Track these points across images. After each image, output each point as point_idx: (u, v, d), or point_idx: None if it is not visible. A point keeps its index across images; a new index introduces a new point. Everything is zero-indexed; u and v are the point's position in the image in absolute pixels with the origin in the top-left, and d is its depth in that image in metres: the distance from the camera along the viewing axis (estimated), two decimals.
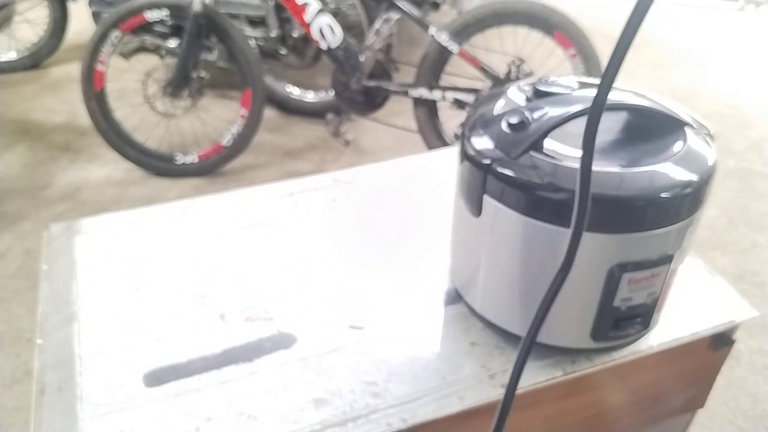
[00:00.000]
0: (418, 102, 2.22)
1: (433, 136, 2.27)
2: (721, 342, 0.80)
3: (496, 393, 0.69)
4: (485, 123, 0.69)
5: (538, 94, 0.71)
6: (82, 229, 0.94)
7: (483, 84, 2.16)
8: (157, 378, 0.71)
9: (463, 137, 0.70)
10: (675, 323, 0.77)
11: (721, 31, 3.66)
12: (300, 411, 0.67)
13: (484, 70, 2.12)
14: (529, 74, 2.14)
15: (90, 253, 0.90)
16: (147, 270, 0.86)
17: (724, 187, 2.24)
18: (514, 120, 0.65)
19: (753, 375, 1.52)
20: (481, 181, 0.66)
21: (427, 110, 2.23)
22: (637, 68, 3.16)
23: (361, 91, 2.24)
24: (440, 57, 2.15)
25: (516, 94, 0.72)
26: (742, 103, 2.82)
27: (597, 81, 0.76)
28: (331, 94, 2.37)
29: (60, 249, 0.91)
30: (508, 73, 2.11)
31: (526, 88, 0.72)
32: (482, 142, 0.67)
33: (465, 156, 0.69)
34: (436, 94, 2.16)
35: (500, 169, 0.64)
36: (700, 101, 2.82)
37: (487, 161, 0.65)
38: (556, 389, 0.72)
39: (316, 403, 0.68)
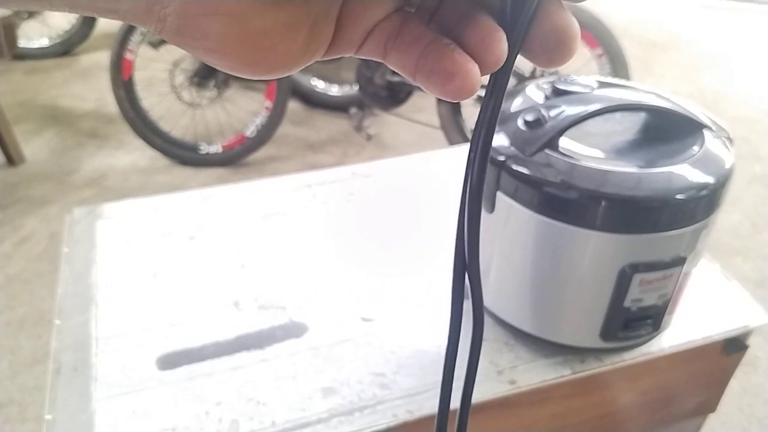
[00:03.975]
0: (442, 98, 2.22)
1: (455, 132, 2.26)
2: (734, 347, 0.80)
3: (504, 389, 0.70)
4: (502, 120, 0.69)
5: (557, 93, 0.71)
6: (104, 213, 0.96)
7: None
8: (170, 361, 0.72)
9: None
10: (687, 326, 0.77)
11: (752, 34, 3.60)
12: (308, 399, 0.68)
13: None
14: (554, 73, 2.12)
15: (111, 237, 0.91)
16: (165, 256, 0.88)
17: (749, 193, 2.21)
18: (530, 117, 0.66)
19: None
20: (495, 177, 0.66)
21: (450, 106, 2.23)
22: (666, 70, 3.12)
23: (384, 86, 2.25)
24: None
25: (534, 92, 0.72)
26: None
27: (618, 81, 0.76)
28: (355, 88, 2.37)
29: (82, 233, 0.92)
30: (533, 71, 2.10)
31: (545, 86, 0.72)
32: (498, 139, 0.67)
33: None
34: None
35: (514, 167, 0.64)
36: (728, 105, 2.78)
37: (501, 158, 0.65)
38: (564, 387, 0.72)
39: (324, 391, 0.69)
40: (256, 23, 0.22)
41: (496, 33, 0.24)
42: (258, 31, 0.22)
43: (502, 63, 0.24)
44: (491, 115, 0.27)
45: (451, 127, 2.26)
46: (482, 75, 0.24)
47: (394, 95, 2.29)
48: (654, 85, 0.71)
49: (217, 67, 0.24)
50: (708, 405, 0.89)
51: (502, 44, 0.24)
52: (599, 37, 2.03)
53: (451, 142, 2.26)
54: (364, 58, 0.27)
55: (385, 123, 2.63)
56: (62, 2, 0.21)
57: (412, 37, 0.25)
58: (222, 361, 0.73)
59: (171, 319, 0.78)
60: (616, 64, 2.04)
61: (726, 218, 2.06)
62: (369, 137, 2.49)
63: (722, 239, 1.98)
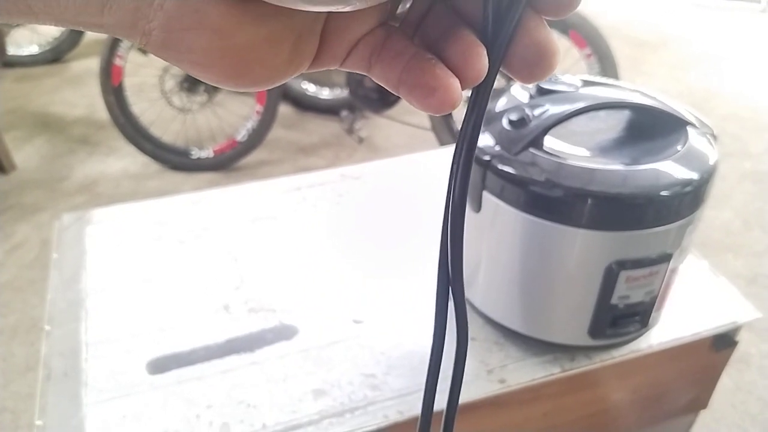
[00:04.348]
0: None
1: (446, 133, 2.27)
2: (723, 343, 0.80)
3: (494, 388, 0.70)
4: (487, 120, 0.70)
5: (541, 92, 0.71)
6: (93, 219, 0.96)
7: (498, 82, 2.15)
8: (160, 366, 0.72)
9: None
10: (676, 322, 0.77)
11: (742, 33, 3.62)
12: (299, 401, 0.68)
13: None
14: None
15: (100, 242, 0.91)
16: (155, 260, 0.88)
17: (739, 190, 2.22)
18: (514, 117, 0.66)
19: (763, 379, 1.51)
20: (481, 177, 0.66)
21: None
22: (655, 69, 3.14)
23: (375, 89, 2.25)
24: None
25: (519, 92, 0.73)
26: (760, 105, 2.79)
27: (603, 80, 0.76)
28: (346, 91, 2.38)
29: (71, 238, 0.92)
30: None
31: (530, 85, 0.73)
32: (483, 139, 0.67)
33: None
34: None
35: (499, 166, 0.64)
36: (718, 102, 2.80)
37: (486, 158, 0.65)
38: (554, 386, 0.73)
39: (315, 393, 0.69)
40: (239, 38, 0.22)
41: (476, 48, 0.24)
42: (242, 46, 0.22)
43: (483, 78, 0.25)
44: (473, 129, 0.27)
45: (442, 129, 2.27)
46: (463, 89, 0.25)
47: (385, 98, 2.30)
48: (643, 85, 0.71)
49: (203, 80, 0.24)
50: (699, 402, 0.89)
51: (482, 59, 0.24)
52: (588, 37, 2.04)
53: (442, 143, 2.27)
54: (348, 70, 0.27)
55: (377, 125, 2.64)
56: (47, 16, 0.22)
57: (395, 51, 0.25)
58: (212, 364, 0.73)
59: (161, 324, 0.78)
60: (605, 63, 2.05)
61: (717, 215, 2.07)
62: (360, 140, 2.49)
63: (713, 236, 1.99)
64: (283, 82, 0.25)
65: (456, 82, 0.24)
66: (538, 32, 0.25)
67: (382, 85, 0.26)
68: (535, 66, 0.25)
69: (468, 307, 0.78)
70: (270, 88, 0.25)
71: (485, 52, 0.24)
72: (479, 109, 0.26)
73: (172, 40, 0.22)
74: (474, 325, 0.77)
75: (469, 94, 0.27)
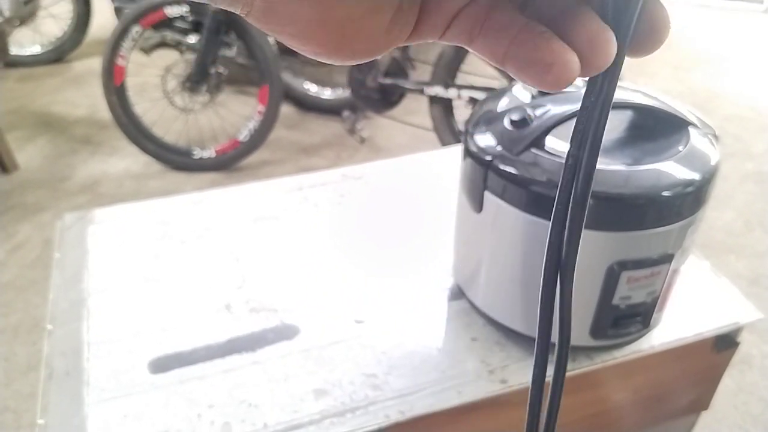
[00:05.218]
0: (434, 100, 2.22)
1: (447, 134, 2.27)
2: (724, 343, 0.80)
3: (495, 388, 0.70)
4: (488, 120, 0.70)
5: (543, 92, 0.71)
6: (95, 218, 0.96)
7: (499, 83, 2.16)
8: (162, 365, 0.72)
9: (466, 134, 0.71)
10: (678, 323, 0.77)
11: (744, 33, 3.61)
12: (300, 401, 0.68)
13: (500, 69, 2.11)
14: None
15: (102, 242, 0.92)
16: (157, 260, 0.88)
17: (741, 191, 2.22)
18: (516, 117, 0.66)
19: (764, 380, 1.51)
20: (482, 177, 0.66)
21: (443, 108, 2.23)
22: (658, 69, 3.13)
23: (377, 89, 2.25)
24: (456, 55, 2.14)
25: (521, 92, 0.73)
26: (762, 106, 2.78)
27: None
28: (348, 91, 2.38)
29: (73, 238, 0.92)
30: None
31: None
32: (484, 139, 0.68)
33: (467, 152, 0.69)
34: (451, 93, 2.16)
35: (501, 166, 0.64)
36: (720, 103, 2.79)
37: (488, 158, 0.65)
38: None
39: (316, 393, 0.69)
40: (342, 9, 0.22)
41: (605, 33, 0.23)
42: (343, 17, 0.22)
43: (610, 65, 0.23)
44: (597, 125, 0.25)
45: (444, 129, 2.26)
46: (584, 76, 0.23)
47: (387, 98, 2.30)
48: (646, 85, 0.71)
49: (302, 52, 0.24)
50: (701, 402, 0.89)
51: (612, 45, 0.23)
52: None
53: (444, 143, 2.27)
54: (447, 43, 0.26)
55: (378, 126, 2.64)
56: None
57: (501, 24, 0.24)
58: (214, 364, 0.73)
59: (162, 323, 0.78)
60: None
61: (719, 216, 2.07)
62: (362, 140, 2.49)
63: (715, 237, 1.98)
64: (381, 54, 0.24)
65: (574, 57, 0.22)
66: (653, 6, 0.23)
67: (485, 59, 0.25)
68: (646, 40, 0.24)
69: (470, 308, 0.78)
70: (367, 60, 0.24)
71: (614, 36, 0.23)
72: (606, 99, 0.25)
73: (274, 11, 0.22)
74: (476, 325, 0.77)
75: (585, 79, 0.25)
